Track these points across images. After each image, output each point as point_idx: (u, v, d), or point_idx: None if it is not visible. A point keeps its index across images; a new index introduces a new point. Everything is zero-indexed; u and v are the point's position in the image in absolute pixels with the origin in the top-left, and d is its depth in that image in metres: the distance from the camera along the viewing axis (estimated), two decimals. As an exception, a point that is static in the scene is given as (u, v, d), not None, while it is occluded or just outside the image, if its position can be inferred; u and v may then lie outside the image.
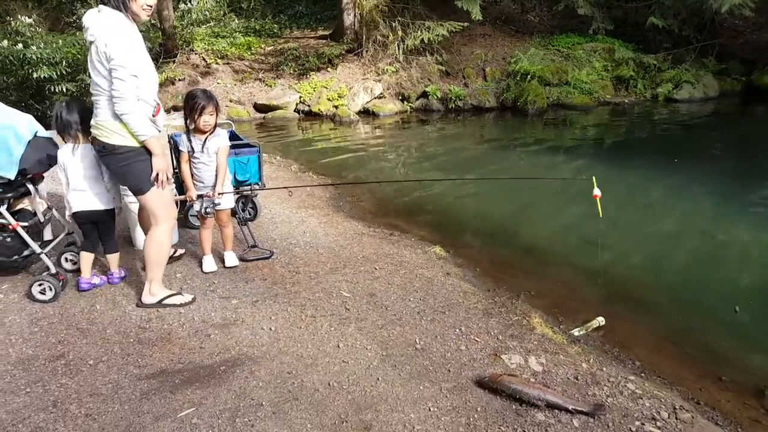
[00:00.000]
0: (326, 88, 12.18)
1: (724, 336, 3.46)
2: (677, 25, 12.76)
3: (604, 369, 2.87)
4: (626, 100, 12.47)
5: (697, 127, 10.41)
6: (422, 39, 12.15)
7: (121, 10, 2.85)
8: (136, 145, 2.99)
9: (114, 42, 2.77)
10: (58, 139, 3.47)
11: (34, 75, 9.12)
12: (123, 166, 3.03)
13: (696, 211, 5.74)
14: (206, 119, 3.53)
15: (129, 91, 2.82)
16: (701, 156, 7.95)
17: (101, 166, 3.27)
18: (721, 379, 3.05)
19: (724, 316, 3.72)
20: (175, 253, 3.99)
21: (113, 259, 3.61)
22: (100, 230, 3.50)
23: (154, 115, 3.03)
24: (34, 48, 9.27)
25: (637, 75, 12.78)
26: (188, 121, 3.59)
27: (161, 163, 3.07)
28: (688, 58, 12.89)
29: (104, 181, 3.34)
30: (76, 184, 3.30)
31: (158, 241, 3.22)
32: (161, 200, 3.17)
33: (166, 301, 3.34)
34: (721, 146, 8.90)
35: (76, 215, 3.39)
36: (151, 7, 2.95)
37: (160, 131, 3.13)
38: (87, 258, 3.51)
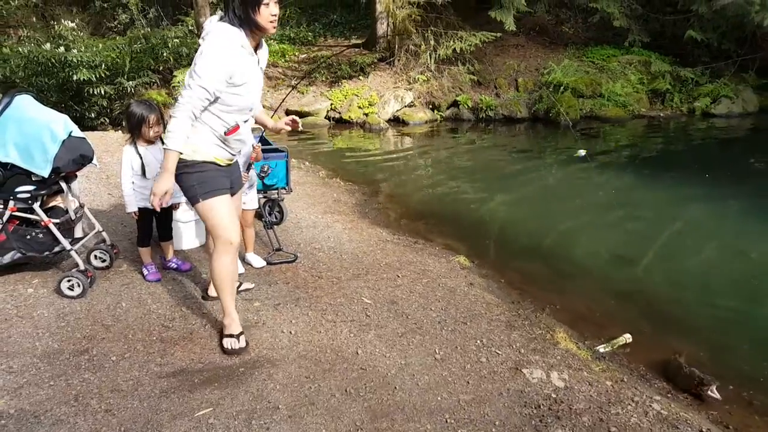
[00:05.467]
0: (357, 95, 12.24)
1: (755, 359, 3.34)
2: (716, 39, 12.45)
3: (629, 388, 2.79)
4: (662, 114, 12.21)
5: (734, 143, 10.13)
6: (454, 48, 12.11)
7: (234, 25, 2.61)
8: (183, 156, 2.70)
9: (203, 52, 2.58)
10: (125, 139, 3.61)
11: (74, 77, 9.37)
12: (177, 175, 2.73)
13: (730, 230, 5.57)
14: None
15: (188, 101, 2.58)
16: (738, 173, 7.71)
17: None
18: (751, 403, 2.94)
19: (756, 338, 3.59)
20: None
21: (168, 246, 3.88)
22: (161, 221, 3.75)
23: (226, 134, 2.77)
24: (75, 51, 9.55)
25: (674, 88, 12.50)
26: None
27: (161, 183, 2.60)
28: (727, 72, 12.56)
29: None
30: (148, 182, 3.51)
31: (216, 264, 2.89)
32: (213, 215, 2.80)
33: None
34: (759, 163, 8.62)
35: (142, 210, 3.62)
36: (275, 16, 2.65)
37: (233, 154, 2.92)
38: (146, 251, 3.77)
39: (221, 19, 2.63)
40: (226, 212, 2.83)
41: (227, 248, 2.84)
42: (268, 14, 2.62)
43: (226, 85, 2.61)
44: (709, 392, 2.94)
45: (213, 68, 2.55)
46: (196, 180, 2.77)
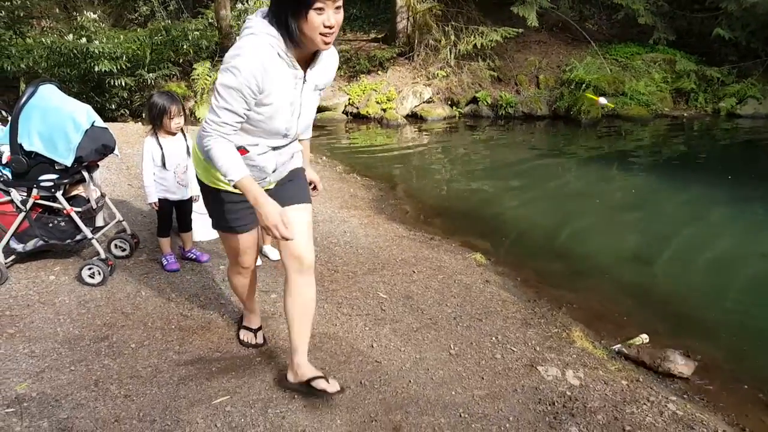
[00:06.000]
0: (375, 90, 12.22)
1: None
2: (745, 37, 12.18)
3: (645, 387, 2.76)
4: (685, 114, 12.01)
5: (759, 145, 9.93)
6: (475, 44, 12.03)
7: (274, 25, 1.98)
8: (205, 182, 2.39)
9: (226, 62, 2.00)
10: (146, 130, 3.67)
11: (96, 68, 9.47)
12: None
13: (751, 232, 5.47)
14: None
15: (214, 128, 2.06)
16: (762, 175, 7.55)
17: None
18: (769, 406, 2.90)
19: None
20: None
21: (188, 237, 3.93)
22: (180, 212, 3.81)
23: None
24: (96, 42, 9.65)
25: (699, 88, 12.26)
26: None
27: (264, 214, 2.05)
28: (756, 71, 12.27)
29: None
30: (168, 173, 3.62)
31: (229, 277, 2.83)
32: (226, 245, 2.62)
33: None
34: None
35: (162, 201, 3.68)
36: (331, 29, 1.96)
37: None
38: (165, 242, 3.81)
39: (265, 15, 2.01)
40: (239, 247, 2.49)
41: (238, 269, 2.69)
42: (320, 24, 1.89)
43: (254, 101, 2.03)
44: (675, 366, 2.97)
45: (238, 83, 1.94)
46: (211, 209, 2.49)
